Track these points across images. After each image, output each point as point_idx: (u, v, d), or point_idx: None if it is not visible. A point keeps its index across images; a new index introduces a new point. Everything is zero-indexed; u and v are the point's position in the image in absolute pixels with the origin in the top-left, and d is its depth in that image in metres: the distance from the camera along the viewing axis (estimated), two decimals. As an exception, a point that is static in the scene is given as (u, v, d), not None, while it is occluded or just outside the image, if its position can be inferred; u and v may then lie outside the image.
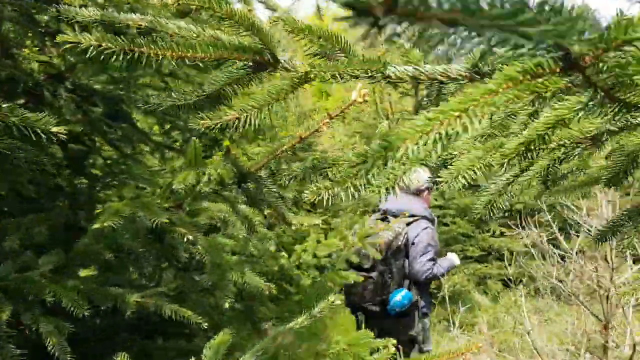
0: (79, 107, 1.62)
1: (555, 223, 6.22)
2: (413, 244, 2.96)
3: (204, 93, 0.82)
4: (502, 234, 5.91)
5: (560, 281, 3.64)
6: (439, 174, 0.77)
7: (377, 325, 2.78)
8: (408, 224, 2.95)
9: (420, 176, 3.01)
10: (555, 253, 4.22)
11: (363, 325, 2.99)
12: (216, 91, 0.81)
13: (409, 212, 2.89)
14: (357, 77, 0.73)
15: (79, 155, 1.74)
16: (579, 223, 4.28)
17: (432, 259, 3.00)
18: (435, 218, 3.35)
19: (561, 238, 4.24)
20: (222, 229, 1.66)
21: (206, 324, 1.29)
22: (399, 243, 2.94)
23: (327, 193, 0.51)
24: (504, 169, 0.80)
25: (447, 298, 4.61)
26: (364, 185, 0.48)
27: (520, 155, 0.74)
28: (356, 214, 5.45)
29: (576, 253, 3.29)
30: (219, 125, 0.77)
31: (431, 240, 3.01)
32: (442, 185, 0.77)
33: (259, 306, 1.75)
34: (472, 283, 6.37)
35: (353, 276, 2.28)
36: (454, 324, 4.65)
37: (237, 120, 0.77)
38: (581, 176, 1.11)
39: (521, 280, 6.23)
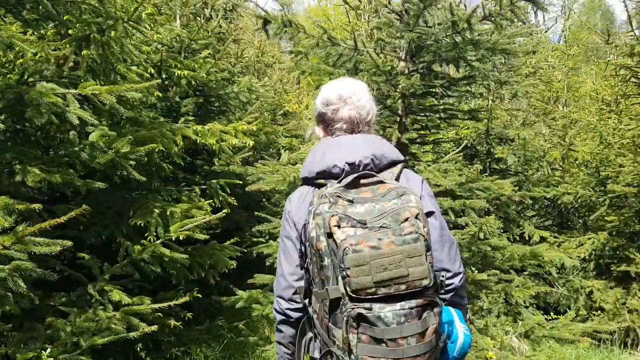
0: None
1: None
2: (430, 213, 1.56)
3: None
4: (543, 239, 4.03)
5: None
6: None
7: None
8: (396, 179, 1.57)
9: (356, 84, 1.71)
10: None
11: None
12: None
13: (389, 159, 1.60)
14: None
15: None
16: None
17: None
18: None
19: None
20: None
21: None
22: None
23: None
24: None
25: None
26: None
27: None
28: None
29: None
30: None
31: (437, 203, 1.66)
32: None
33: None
34: (498, 311, 4.47)
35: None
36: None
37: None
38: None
39: (568, 309, 4.32)
